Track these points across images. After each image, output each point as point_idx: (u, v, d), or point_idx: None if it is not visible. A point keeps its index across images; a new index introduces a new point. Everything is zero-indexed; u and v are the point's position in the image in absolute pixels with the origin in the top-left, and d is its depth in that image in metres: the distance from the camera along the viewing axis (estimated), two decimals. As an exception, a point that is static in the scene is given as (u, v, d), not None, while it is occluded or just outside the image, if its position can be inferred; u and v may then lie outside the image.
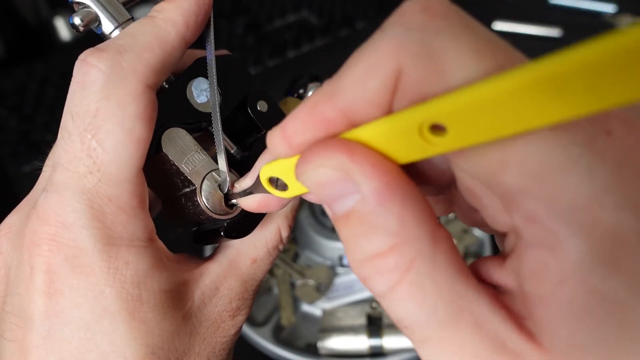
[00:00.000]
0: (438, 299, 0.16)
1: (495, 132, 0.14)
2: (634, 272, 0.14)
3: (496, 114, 0.13)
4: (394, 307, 0.16)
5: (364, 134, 0.16)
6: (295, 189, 0.20)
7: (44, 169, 0.25)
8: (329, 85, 0.17)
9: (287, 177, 0.20)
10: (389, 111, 0.16)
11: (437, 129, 0.14)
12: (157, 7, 0.24)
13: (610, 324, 0.14)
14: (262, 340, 0.53)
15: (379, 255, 0.16)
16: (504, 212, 0.16)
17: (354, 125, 0.17)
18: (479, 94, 0.13)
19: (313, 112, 0.17)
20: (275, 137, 0.18)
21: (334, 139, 0.17)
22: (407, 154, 0.16)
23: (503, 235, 0.17)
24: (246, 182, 0.23)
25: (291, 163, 0.18)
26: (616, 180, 0.14)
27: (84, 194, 0.22)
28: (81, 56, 0.22)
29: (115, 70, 0.22)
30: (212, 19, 0.26)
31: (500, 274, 0.17)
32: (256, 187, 0.22)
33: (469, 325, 0.15)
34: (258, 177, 0.21)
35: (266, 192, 0.21)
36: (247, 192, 0.23)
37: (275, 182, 0.21)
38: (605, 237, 0.14)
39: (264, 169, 0.21)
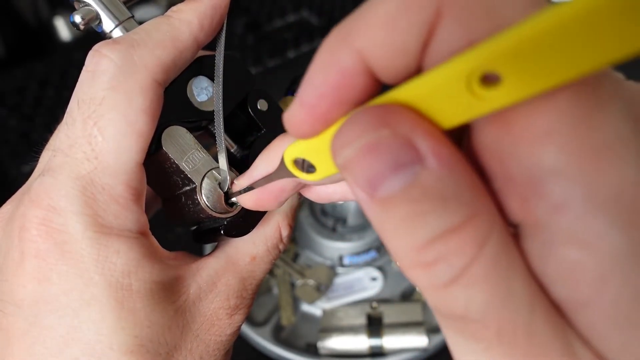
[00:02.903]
0: (514, 281, 0.13)
1: (562, 74, 0.11)
2: None
3: (567, 48, 0.11)
4: (460, 297, 0.13)
5: (404, 94, 0.14)
6: (324, 170, 0.18)
7: (43, 154, 0.25)
8: (344, 25, 0.14)
9: (315, 157, 0.18)
10: (417, 63, 0.14)
11: (488, 80, 0.12)
12: (175, 7, 0.25)
13: None
14: (262, 340, 0.53)
15: (452, 230, 0.13)
16: (519, 200, 0.14)
17: (374, 78, 0.14)
18: (551, 21, 0.11)
19: (329, 64, 0.14)
20: (295, 114, 0.15)
21: (379, 104, 0.14)
22: (452, 116, 0.13)
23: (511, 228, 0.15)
24: (244, 180, 0.23)
25: (320, 140, 0.16)
26: None
27: (78, 180, 0.21)
28: (95, 47, 0.23)
29: (127, 63, 0.22)
30: (225, 25, 0.26)
31: None
32: (279, 171, 0.20)
33: (542, 317, 0.13)
34: (282, 161, 0.19)
35: (291, 175, 0.20)
36: (246, 189, 0.23)
37: (301, 164, 0.19)
38: None
39: (287, 150, 0.19)
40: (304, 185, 0.22)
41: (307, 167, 0.19)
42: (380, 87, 0.15)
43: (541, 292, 0.14)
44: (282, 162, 0.20)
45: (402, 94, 0.14)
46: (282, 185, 0.21)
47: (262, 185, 0.22)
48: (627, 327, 0.13)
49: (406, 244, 0.13)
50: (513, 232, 0.14)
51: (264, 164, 0.21)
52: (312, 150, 0.17)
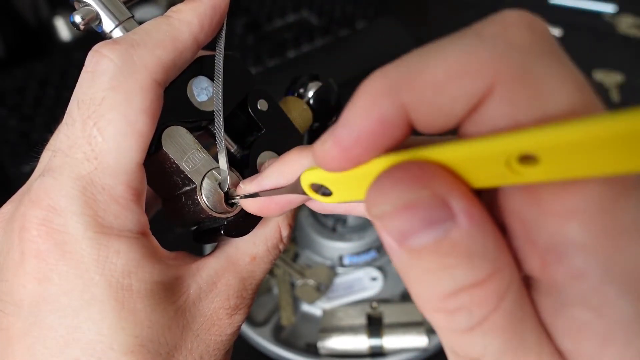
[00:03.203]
0: (526, 330, 0.15)
1: (598, 171, 0.12)
2: None
3: (606, 155, 0.12)
4: (478, 342, 0.15)
5: (442, 156, 0.14)
6: (341, 196, 0.19)
7: (43, 154, 0.25)
8: (392, 72, 0.14)
9: (334, 186, 0.18)
10: (458, 123, 0.15)
11: (526, 158, 0.13)
12: (174, 7, 0.25)
13: None
14: (262, 340, 0.53)
15: (477, 284, 0.14)
16: (538, 260, 0.15)
17: (410, 127, 0.15)
18: (593, 130, 0.11)
19: (371, 111, 0.15)
20: (328, 150, 0.16)
21: (418, 161, 0.15)
22: (484, 180, 0.14)
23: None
24: (252, 186, 0.23)
25: (345, 174, 0.17)
26: None
27: (78, 180, 0.21)
28: (95, 47, 0.23)
29: (127, 63, 0.22)
30: (225, 25, 0.26)
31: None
32: (292, 187, 0.21)
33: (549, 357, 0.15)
34: (298, 179, 0.20)
35: (304, 194, 0.20)
36: (251, 194, 0.23)
37: (317, 187, 0.19)
38: None
39: (306, 174, 0.19)
40: (311, 198, 0.22)
41: (323, 189, 0.19)
42: (411, 132, 0.16)
43: (548, 340, 0.15)
44: (298, 181, 0.20)
45: (441, 154, 0.14)
46: (291, 199, 0.22)
47: (269, 195, 0.22)
48: None
49: (431, 292, 0.15)
50: (524, 279, 0.16)
51: (275, 175, 0.22)
52: (334, 181, 0.18)
